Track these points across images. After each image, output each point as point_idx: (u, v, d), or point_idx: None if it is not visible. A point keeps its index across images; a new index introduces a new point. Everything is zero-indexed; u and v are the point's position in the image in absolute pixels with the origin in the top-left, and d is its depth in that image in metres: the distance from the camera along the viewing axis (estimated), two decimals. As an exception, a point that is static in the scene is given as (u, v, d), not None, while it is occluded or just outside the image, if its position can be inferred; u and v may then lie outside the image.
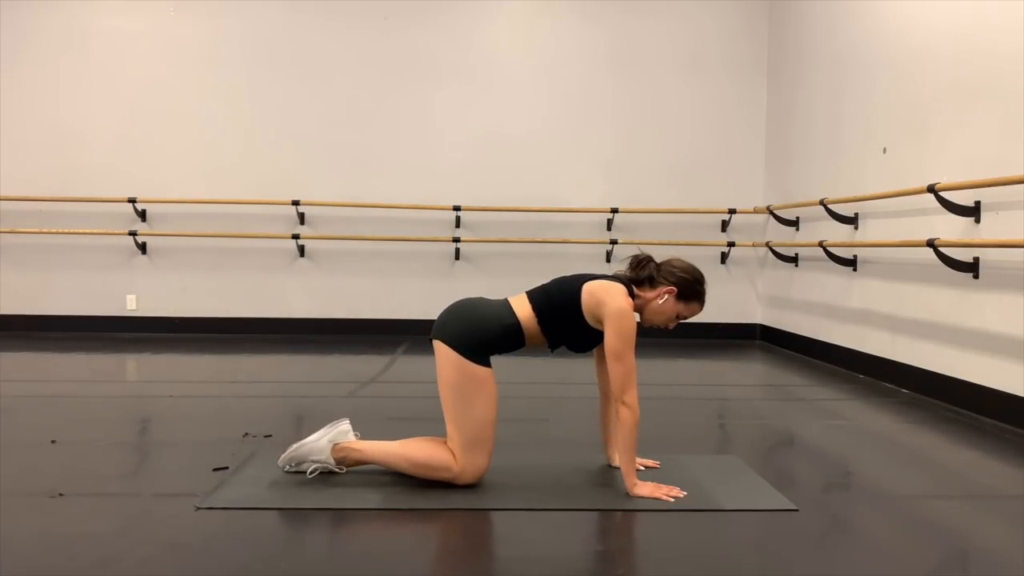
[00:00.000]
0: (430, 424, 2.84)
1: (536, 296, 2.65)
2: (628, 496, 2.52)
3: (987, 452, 3.29)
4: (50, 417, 3.59)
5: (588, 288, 2.58)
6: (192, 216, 6.52)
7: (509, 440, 3.04)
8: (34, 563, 2.01)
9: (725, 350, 6.24)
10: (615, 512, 2.45)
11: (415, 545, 2.19)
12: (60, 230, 6.35)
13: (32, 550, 2.09)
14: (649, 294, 2.65)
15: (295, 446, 2.64)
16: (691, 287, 2.66)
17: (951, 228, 4.08)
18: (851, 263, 5.15)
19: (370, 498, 2.49)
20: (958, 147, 4.09)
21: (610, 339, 2.50)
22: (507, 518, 2.38)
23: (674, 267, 2.68)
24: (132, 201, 6.40)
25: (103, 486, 2.64)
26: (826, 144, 5.61)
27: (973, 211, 3.91)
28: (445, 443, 2.61)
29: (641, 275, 2.66)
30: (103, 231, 6.42)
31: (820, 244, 5.38)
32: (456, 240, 6.57)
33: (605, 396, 2.84)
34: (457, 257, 6.64)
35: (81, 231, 6.37)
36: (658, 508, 2.44)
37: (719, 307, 6.26)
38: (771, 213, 6.37)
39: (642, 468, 2.78)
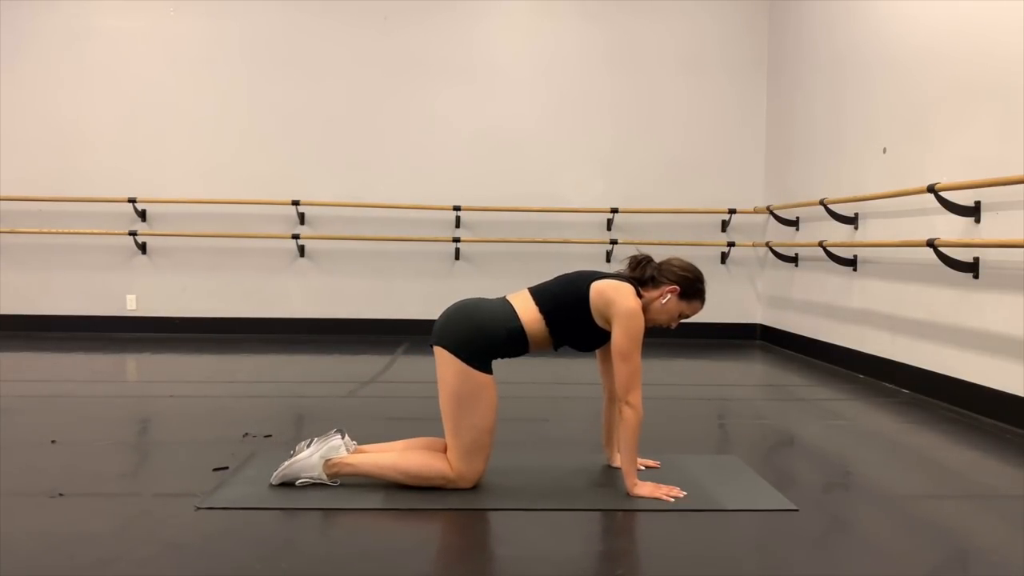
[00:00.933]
0: (430, 424, 2.84)
1: (541, 296, 2.62)
2: (628, 496, 2.52)
3: (987, 452, 3.29)
4: (50, 417, 3.59)
5: (597, 287, 2.57)
6: (192, 216, 6.52)
7: (509, 440, 3.04)
8: (34, 563, 2.01)
9: (725, 350, 6.24)
10: (615, 512, 2.44)
11: (415, 545, 2.19)
12: (60, 230, 6.35)
13: (32, 550, 2.09)
14: (652, 294, 2.65)
15: (287, 463, 2.58)
16: (693, 285, 2.66)
17: (951, 228, 4.08)
18: (851, 263, 5.15)
19: (370, 498, 2.49)
20: (958, 147, 4.09)
21: (619, 338, 2.50)
22: (507, 518, 2.38)
23: (674, 266, 2.68)
24: (132, 201, 6.40)
25: (103, 486, 2.64)
26: (826, 144, 5.61)
27: (973, 211, 3.91)
28: (441, 449, 2.61)
29: (643, 275, 2.66)
30: (103, 231, 6.42)
31: (820, 244, 5.38)
32: (456, 240, 6.57)
33: (610, 397, 2.82)
34: (457, 257, 6.64)
35: (81, 231, 6.37)
36: (658, 508, 2.44)
37: (719, 307, 6.23)
38: (771, 213, 6.37)
39: (642, 468, 2.78)
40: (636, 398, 2.50)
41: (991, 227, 3.82)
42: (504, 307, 2.61)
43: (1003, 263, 3.74)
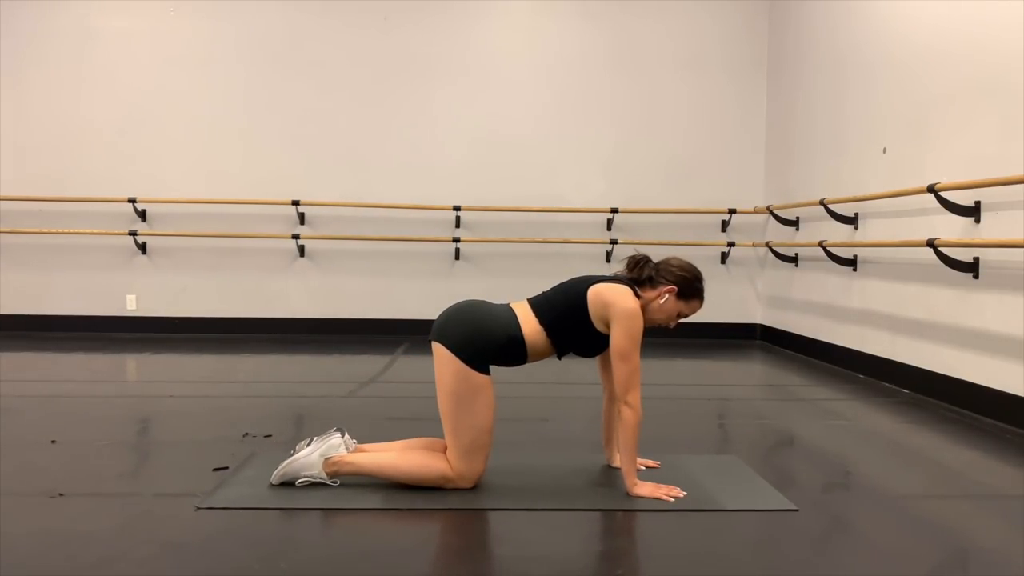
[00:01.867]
0: (430, 424, 2.84)
1: (540, 307, 2.62)
2: (628, 496, 2.52)
3: (987, 452, 3.29)
4: (50, 417, 3.59)
5: (594, 291, 2.57)
6: (192, 216, 6.52)
7: (509, 440, 3.04)
8: (34, 563, 2.01)
9: (725, 350, 6.24)
10: (615, 512, 2.44)
11: (415, 545, 2.19)
12: (60, 230, 6.35)
13: (32, 550, 2.09)
14: (650, 294, 2.65)
15: (286, 462, 2.59)
16: (691, 285, 2.66)
17: (951, 228, 4.08)
18: (851, 263, 5.15)
19: (370, 498, 2.49)
20: (958, 147, 4.09)
21: (618, 339, 2.50)
22: (507, 518, 2.38)
23: (672, 266, 2.68)
24: (132, 201, 6.40)
25: (103, 486, 2.64)
26: (826, 144, 5.61)
27: (973, 211, 3.91)
28: (440, 449, 2.61)
29: (641, 276, 2.66)
30: (103, 231, 6.42)
31: (820, 244, 5.38)
32: (456, 240, 6.57)
33: (610, 397, 2.82)
34: (457, 257, 6.64)
35: (81, 231, 6.37)
36: (658, 508, 2.44)
37: (719, 307, 6.25)
38: (771, 213, 6.37)
39: (642, 468, 2.78)
40: (635, 398, 2.50)
41: (991, 227, 3.82)
42: (508, 313, 2.61)
43: (1003, 263, 3.74)
